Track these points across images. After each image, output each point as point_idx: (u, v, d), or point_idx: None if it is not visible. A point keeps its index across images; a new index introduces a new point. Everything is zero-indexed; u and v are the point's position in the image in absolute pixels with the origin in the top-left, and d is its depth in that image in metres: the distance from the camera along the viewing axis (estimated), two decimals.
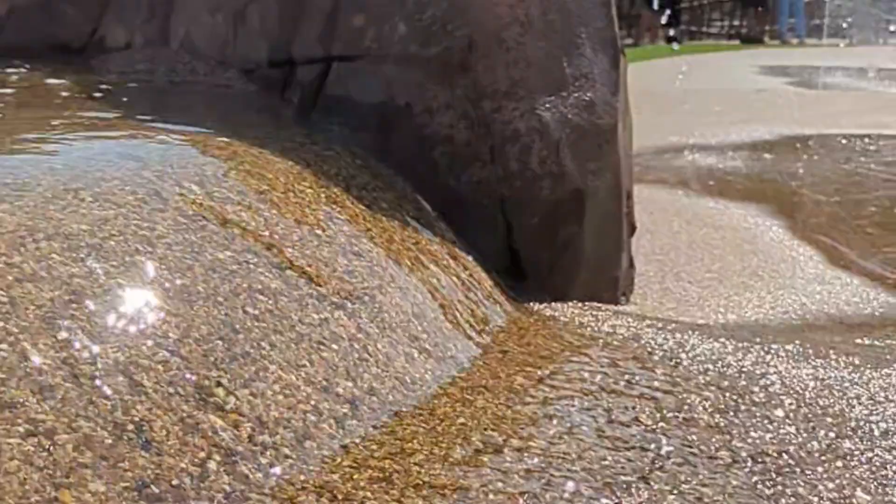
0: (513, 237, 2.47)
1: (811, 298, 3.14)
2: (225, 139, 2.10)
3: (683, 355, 2.10)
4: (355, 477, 1.44)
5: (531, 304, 2.36)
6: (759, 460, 1.64)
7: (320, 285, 1.74)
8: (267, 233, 1.77)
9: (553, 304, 2.40)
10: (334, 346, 1.66)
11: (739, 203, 4.52)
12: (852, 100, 8.93)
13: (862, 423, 1.82)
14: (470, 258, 2.26)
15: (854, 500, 1.54)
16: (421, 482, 1.46)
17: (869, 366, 2.16)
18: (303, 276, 1.73)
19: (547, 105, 2.46)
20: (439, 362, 1.83)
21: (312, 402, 1.54)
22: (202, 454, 1.35)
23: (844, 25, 15.48)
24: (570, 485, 1.51)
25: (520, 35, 2.45)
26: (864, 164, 5.59)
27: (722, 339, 2.28)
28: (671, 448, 1.64)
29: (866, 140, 6.34)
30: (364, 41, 2.50)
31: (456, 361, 1.87)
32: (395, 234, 2.05)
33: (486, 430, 1.65)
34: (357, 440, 1.54)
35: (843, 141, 6.35)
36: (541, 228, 2.48)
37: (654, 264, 3.41)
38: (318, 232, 1.86)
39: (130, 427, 1.31)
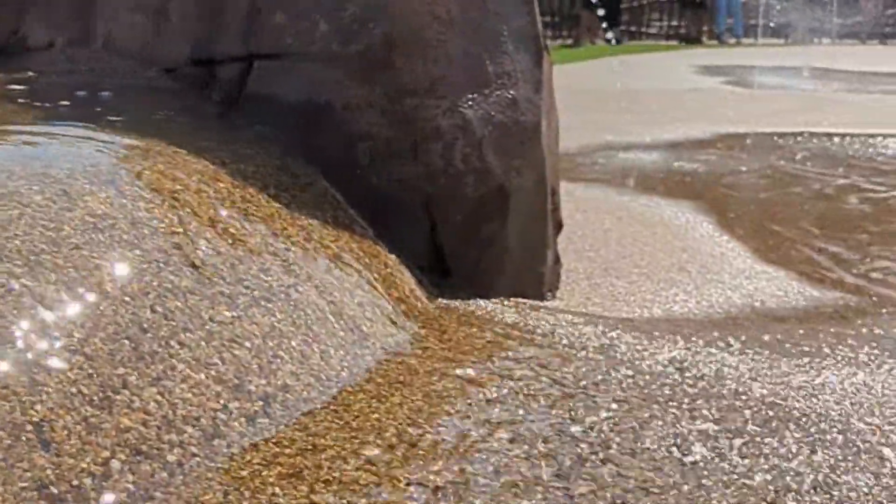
0: (437, 234, 2.48)
1: (737, 292, 3.18)
2: (140, 139, 2.08)
3: (602, 349, 2.12)
4: (264, 473, 1.44)
5: (455, 300, 2.37)
6: (675, 451, 1.66)
7: (233, 284, 1.73)
8: (180, 231, 1.76)
9: (477, 300, 2.41)
10: (247, 345, 1.65)
11: (672, 200, 4.57)
12: (786, 99, 9.08)
13: (772, 411, 1.85)
14: (392, 256, 2.27)
15: (778, 486, 1.57)
16: (332, 478, 1.46)
17: (785, 357, 2.20)
18: (215, 274, 1.72)
19: (469, 103, 2.47)
20: (356, 359, 1.83)
21: (223, 401, 1.53)
22: (105, 454, 1.34)
23: (773, 25, 15.74)
24: (484, 481, 1.51)
25: (440, 33, 2.46)
26: (795, 162, 5.69)
27: (642, 333, 2.30)
28: (588, 443, 1.65)
29: (798, 138, 6.45)
30: (285, 39, 2.49)
31: (374, 358, 1.88)
32: (313, 232, 2.05)
33: (400, 425, 1.65)
34: (268, 437, 1.53)
35: (776, 139, 6.45)
36: (465, 225, 2.49)
37: (585, 261, 3.43)
38: (232, 231, 1.85)
39: (29, 427, 1.29)
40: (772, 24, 16.03)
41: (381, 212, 2.40)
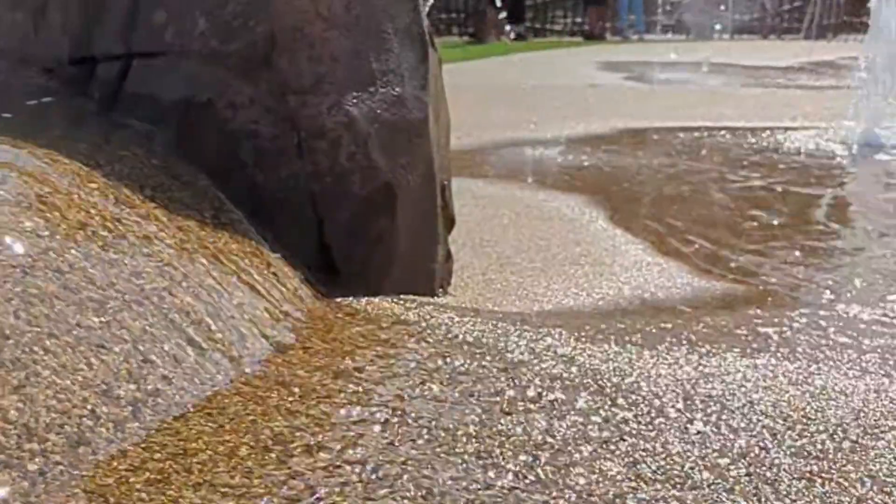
0: (324, 233, 2.46)
1: (627, 284, 3.23)
2: (12, 140, 2.03)
3: (488, 343, 2.14)
4: (131, 480, 1.42)
5: (342, 299, 2.36)
6: (549, 444, 1.68)
7: (103, 288, 1.70)
8: (46, 235, 1.72)
9: (365, 298, 2.41)
10: (116, 350, 1.62)
11: (570, 195, 4.62)
12: (686, 94, 9.25)
13: (647, 400, 1.88)
14: (276, 255, 2.25)
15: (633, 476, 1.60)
16: (201, 482, 1.44)
17: (662, 345, 2.25)
18: (83, 279, 1.68)
19: (354, 100, 2.46)
20: (234, 361, 1.81)
21: (89, 407, 1.50)
22: None
23: (675, 21, 16.04)
24: (359, 483, 1.51)
25: (323, 30, 2.44)
26: (693, 157, 5.80)
27: (530, 327, 2.32)
28: (471, 443, 1.66)
29: (696, 133, 6.58)
30: (164, 37, 2.45)
31: (253, 360, 1.86)
32: (190, 233, 2.02)
33: (276, 426, 1.64)
34: (137, 443, 1.51)
35: (675, 134, 6.57)
36: (353, 223, 2.49)
37: (481, 256, 3.45)
38: (104, 234, 1.81)
39: None
40: (673, 21, 16.34)
41: (266, 211, 2.38)
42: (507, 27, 13.71)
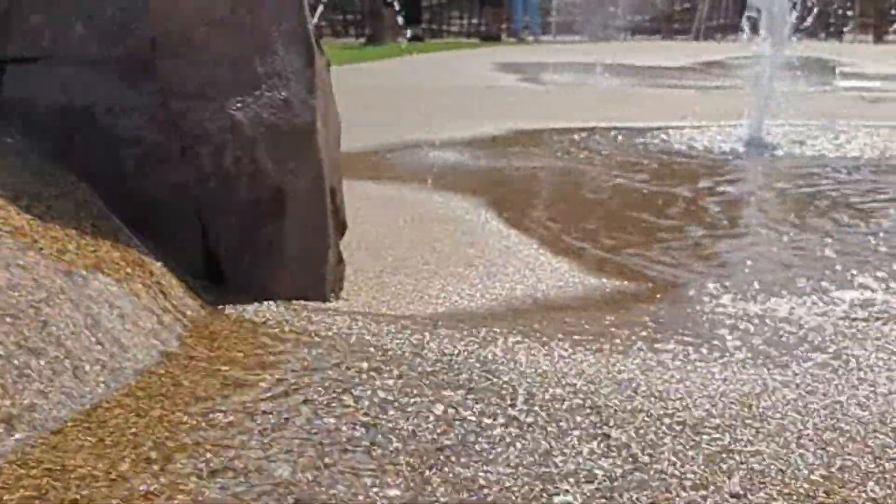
0: (210, 239, 2.43)
1: (521, 284, 3.27)
2: None
3: (376, 346, 2.14)
4: (6, 498, 1.38)
5: (230, 306, 2.33)
6: (438, 441, 1.68)
7: None
8: None
9: (254, 305, 2.38)
10: None
11: (465, 196, 4.64)
12: (581, 95, 9.40)
13: (537, 396, 1.91)
14: (160, 264, 2.21)
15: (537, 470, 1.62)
16: (79, 497, 1.41)
17: (552, 342, 2.28)
18: None
19: (239, 104, 2.44)
20: (114, 373, 1.77)
21: None
22: None
23: (570, 22, 16.27)
24: (246, 491, 1.50)
25: (206, 34, 2.41)
26: (587, 157, 5.89)
27: (420, 329, 2.33)
28: (356, 448, 1.66)
29: (591, 134, 6.68)
30: (41, 42, 2.38)
31: (135, 371, 1.82)
32: (69, 243, 1.97)
33: (159, 438, 1.61)
34: (12, 460, 1.46)
35: (570, 135, 6.66)
36: (240, 229, 2.46)
37: (375, 259, 3.45)
38: None
39: None
40: (568, 22, 16.57)
41: (150, 219, 2.34)
42: (404, 28, 13.72)
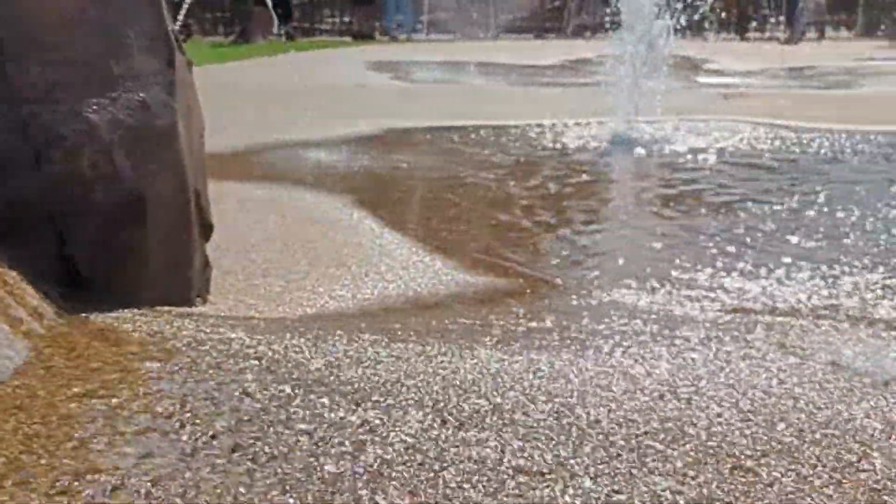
0: (69, 246, 2.35)
1: (394, 283, 3.26)
2: None
3: (239, 351, 2.10)
4: None
5: (89, 314, 2.26)
6: (302, 444, 1.67)
7: None
8: None
9: (116, 312, 2.31)
10: None
11: (338, 196, 4.62)
12: (453, 93, 9.46)
13: (400, 394, 1.91)
14: (13, 272, 2.12)
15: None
16: None
17: (422, 341, 2.28)
18: None
19: (94, 107, 2.36)
20: None
21: None
22: None
23: (442, 21, 16.37)
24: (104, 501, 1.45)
25: (58, 35, 2.33)
26: (459, 155, 5.92)
27: (289, 332, 2.31)
28: (224, 454, 1.63)
29: (463, 132, 6.72)
30: None
31: None
32: None
33: (12, 454, 1.55)
34: None
35: (443, 133, 6.70)
36: (99, 235, 2.38)
37: (245, 262, 3.39)
38: None
39: None
40: (441, 20, 16.66)
41: (5, 226, 2.24)
42: (275, 27, 13.56)
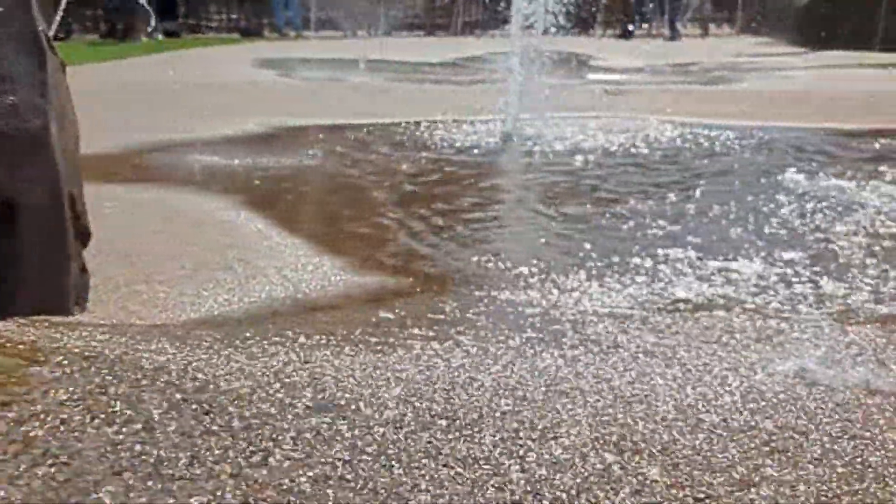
0: None
1: (281, 285, 3.22)
2: None
3: (114, 359, 2.05)
4: None
5: None
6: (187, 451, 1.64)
7: None
8: None
9: None
10: None
11: (225, 197, 4.55)
12: (343, 91, 9.41)
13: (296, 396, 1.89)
14: None
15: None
16: None
17: (306, 343, 2.27)
18: None
19: None
20: None
21: None
22: None
23: (332, 18, 16.25)
24: None
25: None
26: (350, 154, 5.89)
27: (168, 339, 2.26)
28: (105, 466, 1.59)
29: (355, 130, 6.69)
30: None
31: None
32: None
33: None
34: None
35: (334, 131, 6.65)
36: None
37: (126, 267, 3.31)
38: None
39: None
40: (330, 17, 16.55)
41: None
42: (158, 24, 13.28)
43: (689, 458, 1.76)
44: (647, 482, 1.67)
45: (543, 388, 2.07)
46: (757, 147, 6.17)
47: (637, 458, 1.76)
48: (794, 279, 3.27)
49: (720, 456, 1.78)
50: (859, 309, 2.96)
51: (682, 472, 1.71)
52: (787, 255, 3.56)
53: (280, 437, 1.75)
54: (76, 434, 1.68)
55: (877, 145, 6.23)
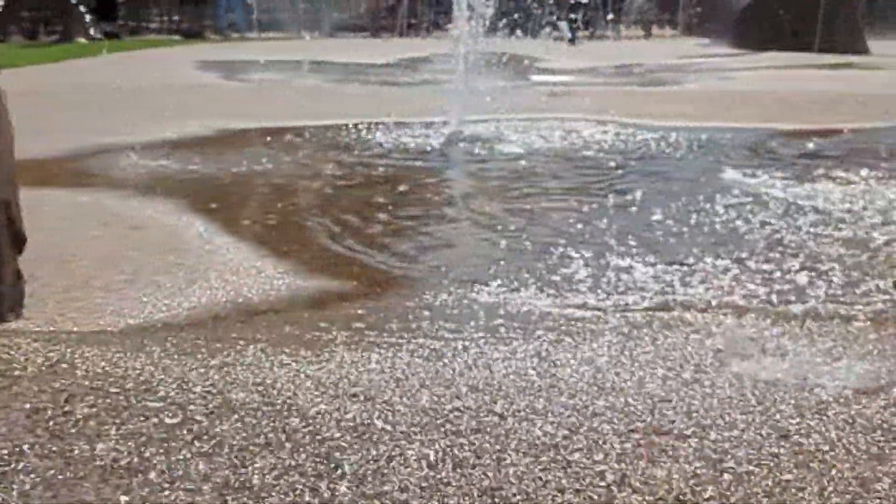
0: None
1: (222, 290, 3.18)
2: None
3: (60, 367, 2.01)
4: None
5: None
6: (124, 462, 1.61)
7: None
8: None
9: None
10: None
11: (166, 201, 4.48)
12: (288, 92, 9.33)
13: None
14: None
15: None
16: None
17: (249, 347, 2.24)
18: None
19: None
20: None
21: None
22: None
23: (276, 19, 16.16)
24: None
25: None
26: (294, 157, 5.83)
27: (105, 346, 2.22)
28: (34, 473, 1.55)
29: (298, 132, 6.63)
30: None
31: None
32: None
33: None
34: None
35: (277, 134, 6.58)
36: None
37: (64, 273, 3.24)
38: None
39: None
40: (275, 18, 16.43)
41: None
42: (97, 26, 13.08)
43: None
44: None
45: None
46: (695, 147, 6.24)
47: None
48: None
49: None
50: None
51: None
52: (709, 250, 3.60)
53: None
54: None
55: (810, 145, 6.34)
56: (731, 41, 16.60)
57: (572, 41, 16.63)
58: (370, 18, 19.15)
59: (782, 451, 1.83)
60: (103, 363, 2.08)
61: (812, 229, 3.98)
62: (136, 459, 1.63)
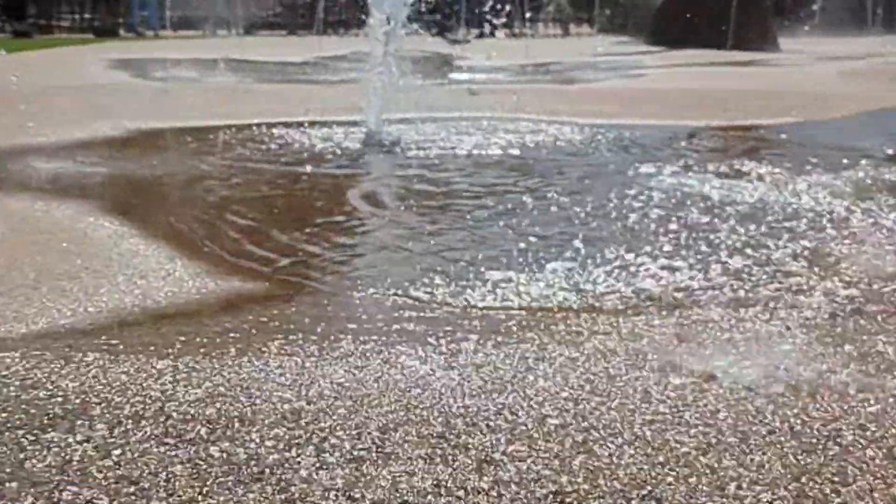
0: None
1: (130, 294, 3.12)
2: None
3: None
4: None
5: None
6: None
7: None
8: None
9: None
10: None
11: (74, 203, 4.39)
12: (203, 92, 9.23)
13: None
14: None
15: None
16: None
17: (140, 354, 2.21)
18: None
19: None
20: None
21: None
22: None
23: (190, 17, 15.95)
24: None
25: None
26: (208, 158, 5.77)
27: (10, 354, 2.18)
28: None
29: (214, 133, 6.56)
30: None
31: None
32: None
33: None
34: None
35: (191, 134, 6.51)
36: None
37: None
38: None
39: None
40: (189, 16, 16.20)
41: None
42: (7, 24, 12.76)
43: None
44: None
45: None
46: (608, 143, 6.34)
47: None
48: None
49: None
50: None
51: None
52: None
53: None
54: None
55: (722, 141, 6.49)
56: (648, 39, 16.88)
57: (457, 41, 16.73)
58: (288, 16, 18.99)
59: None
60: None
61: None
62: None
